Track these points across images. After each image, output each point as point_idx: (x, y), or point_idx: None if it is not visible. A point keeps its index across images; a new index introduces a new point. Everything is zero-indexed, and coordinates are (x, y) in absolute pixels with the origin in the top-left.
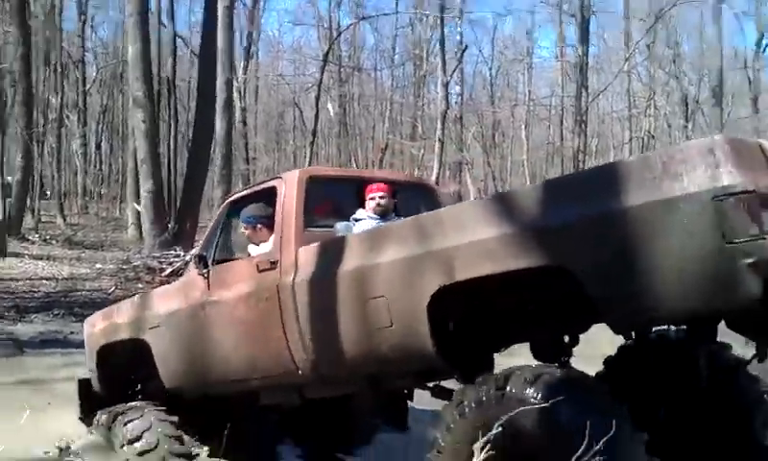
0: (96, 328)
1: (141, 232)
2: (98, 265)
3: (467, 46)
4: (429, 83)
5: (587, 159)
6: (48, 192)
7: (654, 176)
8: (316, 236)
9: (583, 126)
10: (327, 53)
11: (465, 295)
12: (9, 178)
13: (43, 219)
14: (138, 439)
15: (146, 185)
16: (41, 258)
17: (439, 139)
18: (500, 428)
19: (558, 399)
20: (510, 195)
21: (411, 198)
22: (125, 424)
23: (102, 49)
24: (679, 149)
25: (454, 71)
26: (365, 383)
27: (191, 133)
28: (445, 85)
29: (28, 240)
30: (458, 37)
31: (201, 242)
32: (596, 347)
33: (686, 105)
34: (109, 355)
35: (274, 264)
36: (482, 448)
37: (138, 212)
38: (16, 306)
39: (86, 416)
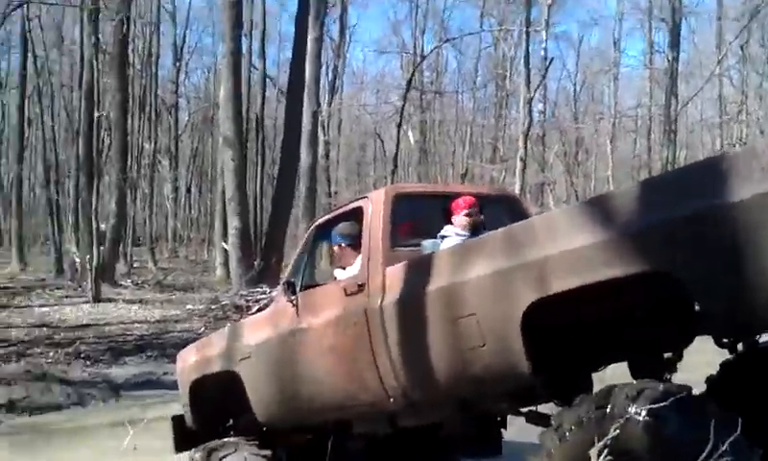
0: (188, 363)
1: (229, 273)
2: (188, 306)
3: (552, 59)
4: (511, 103)
5: None
6: (141, 237)
7: (762, 166)
8: (403, 256)
9: (672, 136)
10: (411, 78)
11: (560, 309)
12: (102, 224)
13: (135, 265)
14: None
15: (233, 223)
16: (134, 302)
17: (521, 159)
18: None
19: (664, 413)
20: (606, 197)
21: (496, 211)
22: None
23: (194, 94)
24: None
25: (538, 87)
26: (457, 408)
27: (276, 172)
28: (529, 102)
29: (121, 285)
30: (542, 53)
31: (288, 268)
32: (691, 369)
33: None
34: (202, 389)
35: (361, 287)
36: (599, 454)
37: (226, 252)
38: (111, 349)
39: (179, 451)
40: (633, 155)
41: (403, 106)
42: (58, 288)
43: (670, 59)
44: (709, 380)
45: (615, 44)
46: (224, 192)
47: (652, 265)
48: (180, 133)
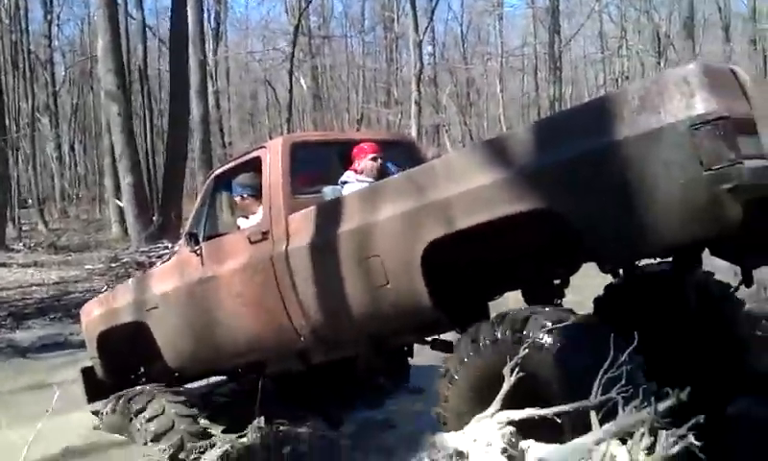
0: (93, 316)
1: (126, 229)
2: (87, 266)
3: (437, 1)
4: (401, 47)
5: (563, 108)
6: (28, 200)
7: (632, 110)
8: (305, 203)
9: (558, 73)
10: (298, 24)
11: (457, 246)
12: None
13: (24, 227)
14: (151, 421)
15: (126, 179)
16: (29, 266)
17: (415, 102)
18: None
19: (572, 342)
20: (498, 140)
21: (393, 155)
22: (136, 413)
23: (69, 47)
24: (654, 81)
25: (426, 29)
26: (366, 343)
27: (166, 124)
28: (418, 45)
29: (12, 250)
30: None
31: (189, 220)
32: (579, 291)
33: (659, 40)
34: (109, 341)
35: (265, 234)
36: (512, 371)
37: (121, 209)
38: (12, 314)
39: (92, 402)
40: (522, 93)
41: (293, 52)
42: None
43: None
44: (596, 301)
45: None
46: (112, 148)
47: (541, 204)
48: (57, 88)
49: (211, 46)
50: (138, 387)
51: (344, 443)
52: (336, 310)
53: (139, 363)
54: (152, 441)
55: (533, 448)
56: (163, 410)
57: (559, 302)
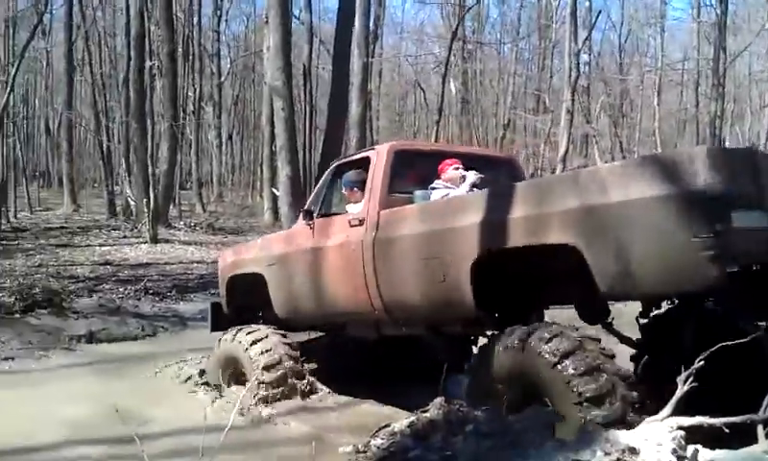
0: (227, 262)
1: (276, 217)
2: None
3: (601, 10)
4: (554, 56)
5: (724, 125)
6: (187, 183)
7: (647, 176)
8: (398, 201)
9: (720, 90)
10: (456, 29)
11: (501, 262)
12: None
13: (184, 208)
14: (262, 354)
15: (285, 171)
16: (189, 244)
17: (567, 110)
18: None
19: (565, 353)
20: (539, 182)
21: (494, 171)
22: (252, 343)
23: (234, 42)
24: (671, 154)
25: (586, 40)
26: (425, 326)
27: (324, 122)
28: (576, 55)
29: (174, 227)
30: (586, 3)
31: (310, 198)
32: None
33: None
34: (236, 284)
35: (361, 222)
36: (685, 380)
37: (275, 197)
38: (176, 287)
39: (214, 331)
40: (678, 108)
41: (448, 57)
42: (114, 229)
43: (718, 12)
44: (642, 327)
45: None
46: (271, 139)
47: (565, 239)
48: (222, 80)
49: (369, 48)
50: (255, 325)
51: (518, 427)
52: (403, 294)
53: (258, 307)
54: (262, 368)
55: (702, 451)
56: (273, 348)
57: (608, 321)
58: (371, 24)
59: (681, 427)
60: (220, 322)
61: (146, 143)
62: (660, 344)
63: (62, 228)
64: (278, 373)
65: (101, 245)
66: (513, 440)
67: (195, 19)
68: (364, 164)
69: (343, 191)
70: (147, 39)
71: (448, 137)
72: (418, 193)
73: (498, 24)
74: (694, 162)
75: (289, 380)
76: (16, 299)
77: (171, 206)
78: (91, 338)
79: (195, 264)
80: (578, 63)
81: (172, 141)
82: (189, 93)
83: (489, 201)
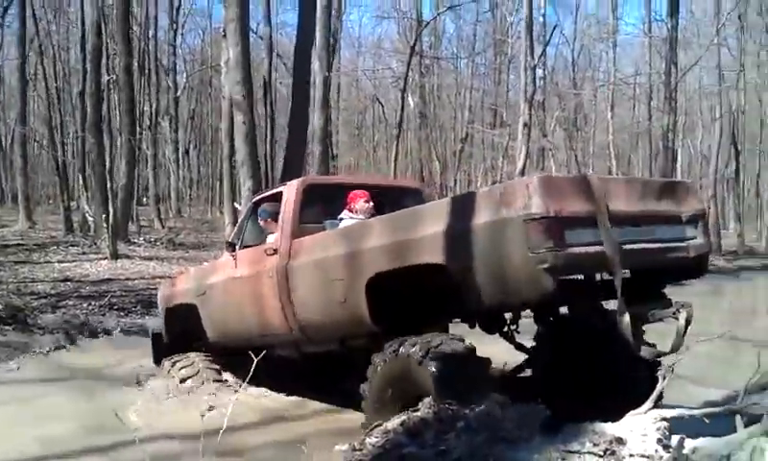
0: (164, 294)
1: None
2: (204, 263)
3: (556, 25)
4: (510, 70)
5: (677, 138)
6: (143, 198)
7: (494, 202)
8: (308, 231)
9: (673, 103)
10: (414, 44)
11: (390, 282)
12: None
13: (142, 223)
14: (183, 369)
15: (246, 184)
16: (150, 259)
17: (524, 124)
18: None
19: (433, 358)
20: (415, 211)
21: (398, 199)
22: (180, 368)
23: (190, 56)
24: (510, 184)
25: (542, 54)
26: (337, 343)
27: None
28: (533, 69)
29: (134, 243)
30: (541, 19)
31: (233, 232)
32: None
33: None
34: (174, 315)
35: (275, 251)
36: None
37: (234, 212)
38: (140, 302)
39: (157, 362)
40: (631, 121)
41: (407, 72)
42: (72, 245)
43: (669, 27)
44: (536, 336)
45: (614, 11)
46: (231, 153)
47: (436, 259)
48: (177, 94)
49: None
50: (188, 353)
51: (509, 423)
52: (314, 314)
53: (195, 335)
54: (181, 381)
55: (688, 439)
56: (194, 364)
57: (510, 331)
58: (330, 38)
59: (663, 419)
60: (160, 352)
61: (103, 158)
62: (544, 350)
63: (19, 245)
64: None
65: (60, 261)
66: (503, 435)
67: (151, 32)
68: (278, 198)
69: (259, 222)
70: (105, 53)
71: (407, 151)
72: (327, 223)
73: (455, 39)
74: (529, 189)
75: (205, 379)
76: None
77: (129, 222)
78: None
79: (157, 279)
80: (534, 78)
81: (130, 156)
82: (145, 108)
83: (376, 227)
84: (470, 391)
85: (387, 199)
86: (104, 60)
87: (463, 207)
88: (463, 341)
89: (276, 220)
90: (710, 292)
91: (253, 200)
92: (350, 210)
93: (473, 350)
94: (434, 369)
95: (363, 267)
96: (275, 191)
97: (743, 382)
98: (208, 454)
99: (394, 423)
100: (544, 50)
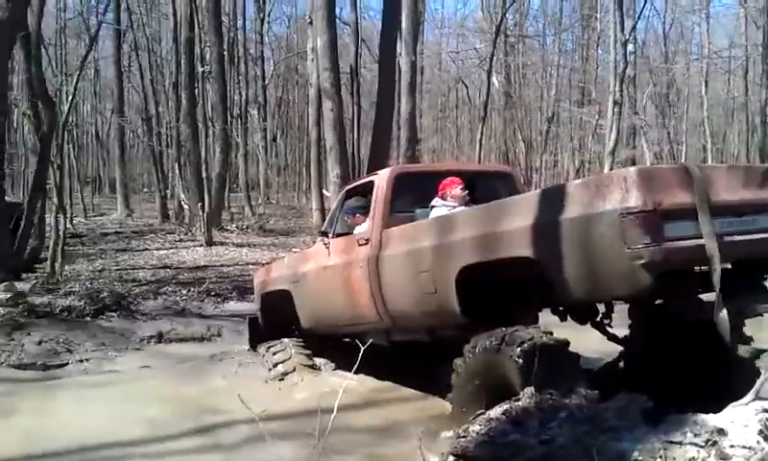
0: (260, 280)
1: (324, 217)
2: (294, 249)
3: (645, 1)
4: (599, 46)
5: None
6: (235, 185)
7: (590, 195)
8: (400, 220)
9: None
10: (500, 24)
11: (481, 275)
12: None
13: (234, 210)
14: (277, 354)
15: (334, 171)
16: (243, 246)
17: (615, 102)
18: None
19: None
20: (505, 202)
21: (490, 184)
22: (274, 353)
23: (276, 44)
24: (607, 176)
25: (633, 29)
26: (426, 333)
27: (368, 122)
28: (623, 44)
29: (227, 230)
30: None
31: (326, 220)
32: None
33: None
34: (269, 301)
35: (367, 240)
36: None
37: (322, 198)
38: (236, 288)
39: (254, 347)
40: (726, 96)
41: (492, 52)
42: (168, 233)
43: None
44: (630, 327)
45: None
46: (318, 140)
47: (527, 253)
48: (266, 83)
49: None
50: (283, 339)
51: (611, 413)
52: (403, 304)
53: (290, 321)
54: (273, 366)
55: None
56: (286, 349)
57: (603, 321)
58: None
59: (765, 410)
60: (256, 337)
61: (198, 147)
62: (638, 342)
63: (118, 233)
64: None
65: (158, 249)
66: (607, 425)
67: (239, 23)
68: (369, 188)
69: (345, 219)
70: (198, 44)
71: (492, 133)
72: (418, 211)
73: (540, 15)
74: (626, 182)
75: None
76: (86, 303)
77: (222, 210)
78: (161, 339)
79: (250, 266)
80: (625, 54)
81: (223, 144)
82: (235, 97)
83: (467, 219)
84: (559, 386)
85: (478, 184)
86: (196, 51)
87: (555, 200)
88: (551, 334)
89: (362, 213)
90: None
91: (345, 188)
92: (443, 197)
93: (563, 343)
94: (522, 361)
95: (452, 259)
96: (365, 180)
97: None
98: (320, 435)
99: (496, 411)
100: (635, 24)
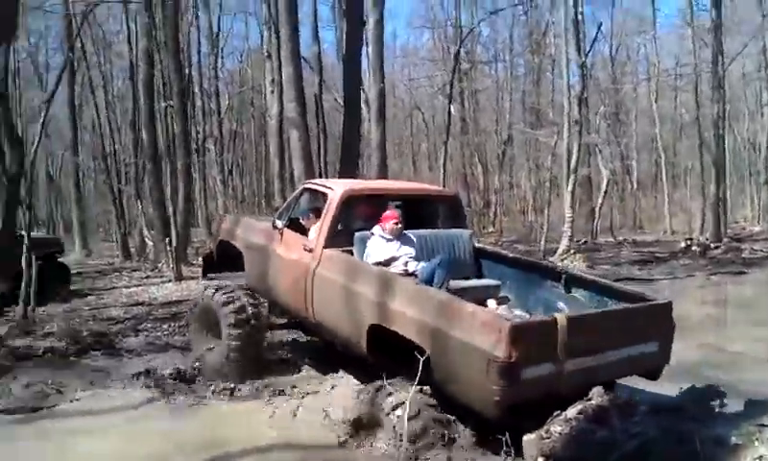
0: (224, 227)
1: None
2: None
3: (601, 23)
4: (548, 67)
5: (726, 127)
6: (193, 220)
7: (475, 327)
8: (345, 239)
9: (721, 92)
10: (458, 52)
11: (386, 330)
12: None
13: (196, 245)
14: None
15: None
16: (212, 279)
17: (576, 121)
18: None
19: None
20: (406, 283)
21: (435, 206)
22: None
23: (230, 79)
24: (491, 319)
25: (590, 51)
26: (341, 343)
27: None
28: (581, 67)
29: (193, 264)
30: (579, 16)
31: (283, 205)
32: None
33: None
34: (224, 246)
35: (311, 250)
36: None
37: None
38: None
39: (204, 277)
40: (674, 112)
41: (452, 79)
42: (134, 270)
43: (714, 15)
44: None
45: (652, 3)
46: (281, 170)
47: (419, 341)
48: (221, 117)
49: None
50: (228, 273)
51: (687, 403)
52: (328, 318)
53: (238, 268)
54: (223, 305)
55: None
56: (230, 284)
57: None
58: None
59: None
60: (208, 269)
61: (161, 183)
62: None
63: (81, 273)
64: (240, 312)
65: (125, 286)
66: (691, 414)
67: (195, 59)
68: (323, 197)
69: (301, 220)
70: (160, 81)
71: (451, 156)
72: (357, 235)
73: (490, 42)
74: (501, 333)
75: (248, 310)
76: (68, 343)
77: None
78: (149, 375)
79: None
80: (583, 75)
81: (186, 180)
82: (192, 132)
83: (375, 281)
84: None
85: (424, 206)
86: (157, 86)
87: (449, 309)
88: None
89: (316, 218)
90: None
91: (304, 184)
92: (382, 228)
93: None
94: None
95: (366, 313)
96: (323, 189)
97: None
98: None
99: (572, 411)
100: (591, 47)
